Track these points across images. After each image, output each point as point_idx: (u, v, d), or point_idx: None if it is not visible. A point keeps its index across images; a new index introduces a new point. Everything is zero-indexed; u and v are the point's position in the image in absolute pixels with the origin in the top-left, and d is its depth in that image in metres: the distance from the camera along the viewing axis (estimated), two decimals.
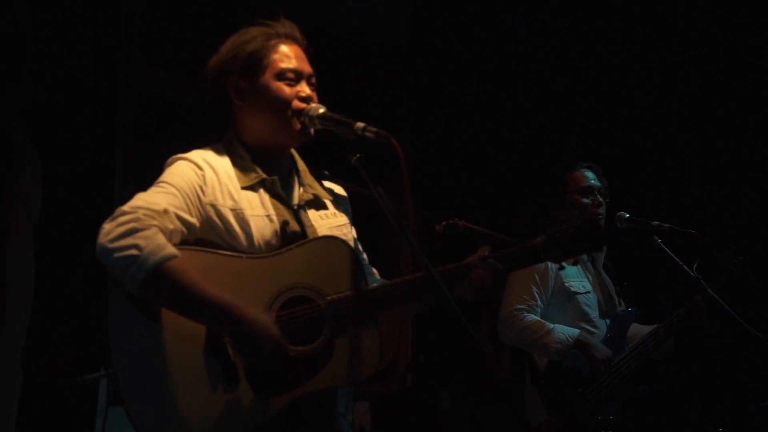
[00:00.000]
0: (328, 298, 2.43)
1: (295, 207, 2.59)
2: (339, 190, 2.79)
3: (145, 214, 2.29)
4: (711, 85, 5.96)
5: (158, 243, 2.25)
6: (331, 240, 2.52)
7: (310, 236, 2.54)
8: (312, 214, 2.62)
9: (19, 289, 3.92)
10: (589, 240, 2.72)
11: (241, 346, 2.31)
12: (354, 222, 2.79)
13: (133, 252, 2.22)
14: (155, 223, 2.29)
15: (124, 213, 2.29)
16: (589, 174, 4.18)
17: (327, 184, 2.77)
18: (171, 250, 2.27)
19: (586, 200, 4.10)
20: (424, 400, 5.36)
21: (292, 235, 2.52)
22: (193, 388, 2.29)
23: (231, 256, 2.41)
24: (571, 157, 4.27)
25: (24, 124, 4.06)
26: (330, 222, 2.65)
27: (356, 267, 2.49)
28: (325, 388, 2.43)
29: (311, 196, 2.65)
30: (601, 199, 4.11)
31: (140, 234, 2.25)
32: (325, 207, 2.68)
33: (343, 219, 2.70)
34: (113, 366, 2.28)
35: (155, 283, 2.24)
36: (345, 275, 2.47)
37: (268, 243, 2.48)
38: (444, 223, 3.91)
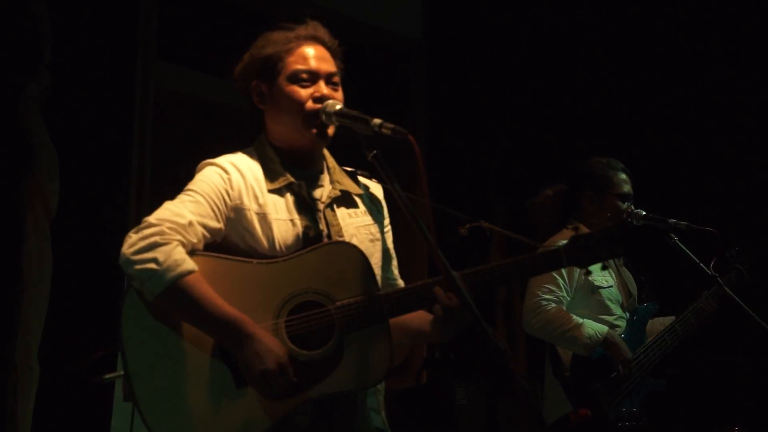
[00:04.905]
0: (338, 303, 2.42)
1: (323, 206, 2.59)
2: (375, 189, 2.77)
3: (169, 228, 2.35)
4: (730, 84, 5.94)
5: (176, 258, 2.31)
6: (343, 245, 2.51)
7: (335, 235, 2.54)
8: (341, 212, 2.61)
9: (36, 283, 3.96)
10: (618, 244, 2.58)
11: (245, 363, 2.32)
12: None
13: (152, 266, 2.29)
14: (178, 237, 2.35)
15: (150, 225, 2.35)
16: (627, 179, 4.16)
17: (364, 181, 2.75)
18: (188, 265, 2.33)
19: (623, 206, 4.09)
20: (440, 396, 5.36)
21: (315, 240, 2.51)
22: (203, 390, 2.33)
23: (241, 261, 2.43)
24: (610, 156, 4.23)
25: (42, 120, 4.10)
26: (358, 221, 2.63)
27: (367, 272, 2.48)
28: (333, 393, 2.42)
29: (339, 193, 2.63)
30: (632, 209, 4.11)
31: (160, 249, 2.31)
32: (355, 205, 2.66)
33: (369, 219, 2.68)
34: (125, 366, 2.35)
35: (170, 297, 2.32)
36: (356, 280, 2.46)
37: (289, 247, 2.48)
38: (468, 225, 3.91)
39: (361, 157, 2.42)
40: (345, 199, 2.64)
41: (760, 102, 5.81)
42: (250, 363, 2.29)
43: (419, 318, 2.60)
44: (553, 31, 6.59)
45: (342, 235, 2.56)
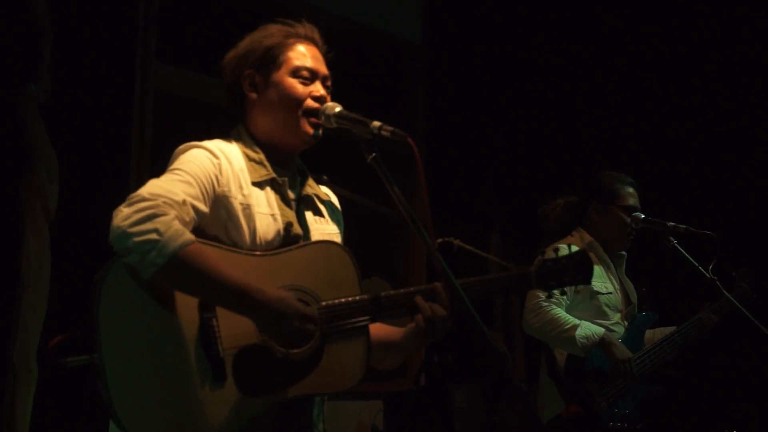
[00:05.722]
0: (323, 303, 2.40)
1: (297, 204, 2.58)
2: (334, 199, 2.78)
3: (165, 203, 2.24)
4: (730, 85, 5.95)
5: (177, 229, 2.21)
6: (331, 245, 2.50)
7: (309, 238, 2.53)
8: (309, 216, 2.61)
9: (35, 285, 3.96)
10: (579, 272, 2.70)
11: (267, 327, 2.30)
12: (350, 230, 2.78)
13: (154, 236, 2.17)
14: (174, 212, 2.25)
15: (144, 199, 2.23)
16: (635, 193, 4.21)
17: (325, 189, 2.75)
18: (190, 235, 2.23)
19: (627, 219, 4.14)
20: (438, 399, 5.36)
21: (295, 237, 2.49)
22: (180, 381, 2.25)
23: (229, 250, 2.38)
24: (619, 169, 4.29)
25: (41, 121, 4.10)
26: (322, 228, 2.63)
27: (353, 274, 2.47)
28: (310, 394, 2.41)
29: (311, 197, 2.64)
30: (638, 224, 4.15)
31: (159, 219, 2.20)
32: (320, 212, 2.66)
33: (335, 228, 2.69)
34: (99, 351, 2.20)
35: (175, 268, 2.20)
36: (342, 281, 2.44)
37: (269, 243, 2.45)
38: (439, 240, 3.93)
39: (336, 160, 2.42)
40: (312, 204, 2.64)
41: (760, 105, 5.82)
42: (272, 323, 2.28)
43: (386, 330, 2.61)
44: (552, 35, 6.59)
45: (310, 239, 2.55)
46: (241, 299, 2.26)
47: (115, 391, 2.19)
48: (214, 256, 2.29)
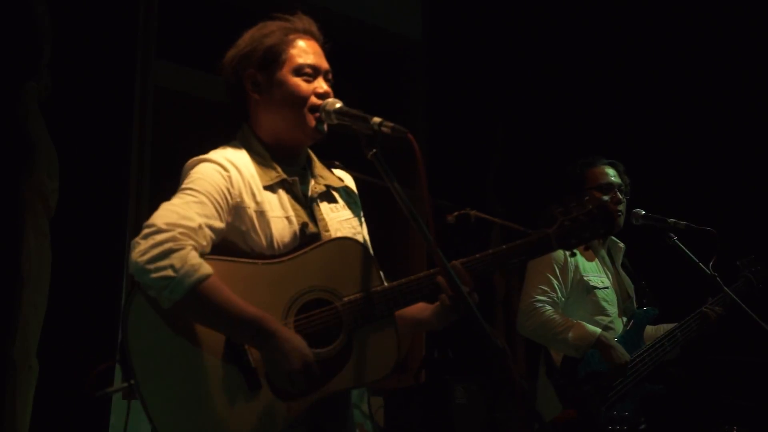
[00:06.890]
0: (345, 299, 2.44)
1: (309, 201, 2.59)
2: (349, 181, 2.79)
3: (181, 233, 2.27)
4: (730, 83, 5.94)
5: (192, 264, 2.24)
6: (346, 241, 2.53)
7: (323, 230, 2.55)
8: (324, 207, 2.62)
9: (35, 282, 3.97)
10: (600, 225, 2.73)
11: (271, 362, 2.31)
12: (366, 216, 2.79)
13: (169, 273, 2.21)
14: (191, 242, 2.28)
15: (160, 231, 2.26)
16: (610, 171, 4.16)
17: (338, 173, 2.76)
18: (205, 269, 2.26)
19: (605, 197, 4.09)
20: (438, 395, 5.35)
21: (311, 237, 2.52)
22: (216, 396, 2.30)
23: (246, 262, 2.41)
24: (593, 155, 4.25)
25: (41, 119, 4.11)
26: (339, 215, 2.64)
27: (370, 266, 2.50)
28: (344, 389, 2.44)
29: (323, 188, 2.64)
30: (620, 196, 4.10)
31: (175, 255, 2.23)
32: (335, 200, 2.68)
33: (349, 213, 2.69)
34: (132, 374, 2.28)
35: (189, 303, 2.25)
36: (360, 275, 2.47)
37: (286, 245, 2.48)
38: (456, 213, 3.91)
39: (346, 153, 2.41)
40: (327, 194, 2.66)
41: (760, 101, 5.82)
42: (277, 362, 2.28)
43: (414, 307, 2.62)
44: (552, 32, 6.59)
45: (328, 230, 2.56)
46: (251, 335, 2.30)
47: (156, 415, 2.26)
48: (228, 290, 2.30)
